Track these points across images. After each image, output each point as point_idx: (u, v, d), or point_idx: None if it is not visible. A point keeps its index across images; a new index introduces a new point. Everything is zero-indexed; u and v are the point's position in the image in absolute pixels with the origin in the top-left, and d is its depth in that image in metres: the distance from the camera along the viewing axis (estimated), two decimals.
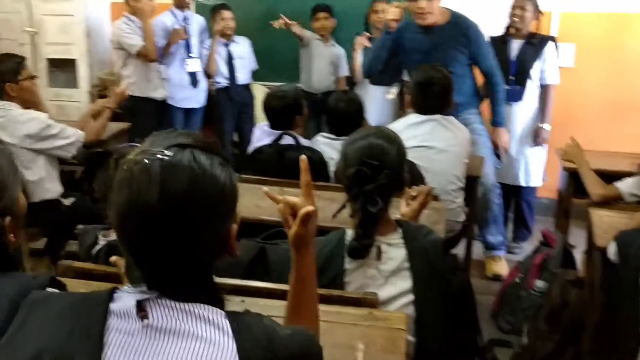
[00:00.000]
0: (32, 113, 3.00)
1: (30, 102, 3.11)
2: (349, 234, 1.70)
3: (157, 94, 4.42)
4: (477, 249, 3.77)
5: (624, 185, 2.54)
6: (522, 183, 3.99)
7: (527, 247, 3.96)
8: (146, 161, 0.93)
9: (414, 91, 2.90)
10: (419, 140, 2.75)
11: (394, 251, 1.69)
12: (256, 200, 2.38)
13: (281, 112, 2.91)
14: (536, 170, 4.01)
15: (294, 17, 4.73)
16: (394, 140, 1.75)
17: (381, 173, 1.64)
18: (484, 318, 3.12)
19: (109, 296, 0.94)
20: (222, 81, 4.71)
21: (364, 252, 1.65)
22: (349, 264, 1.68)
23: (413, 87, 2.92)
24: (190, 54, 4.59)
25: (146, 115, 4.38)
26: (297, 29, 4.53)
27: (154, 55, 4.18)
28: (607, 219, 2.33)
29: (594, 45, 4.47)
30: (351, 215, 1.67)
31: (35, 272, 2.81)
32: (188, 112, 4.71)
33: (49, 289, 1.06)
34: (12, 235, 1.13)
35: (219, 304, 0.98)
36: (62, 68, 5.44)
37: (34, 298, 0.97)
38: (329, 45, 4.62)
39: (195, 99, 4.67)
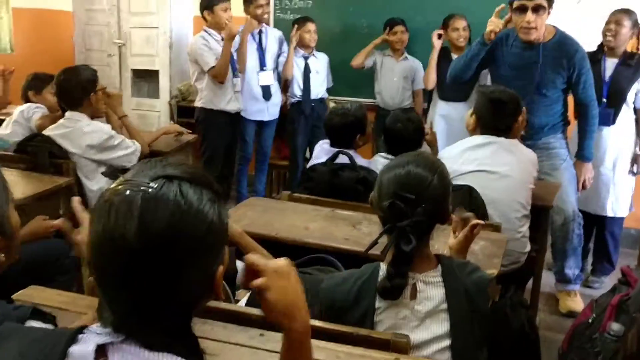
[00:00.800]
0: (97, 124, 3.07)
1: (101, 112, 3.18)
2: (383, 268, 1.56)
3: (231, 107, 4.43)
4: (550, 281, 3.50)
5: None
6: (610, 213, 3.69)
7: (608, 282, 3.66)
8: (127, 192, 0.87)
9: (484, 108, 2.69)
10: (479, 164, 2.57)
11: (431, 290, 1.54)
12: (305, 222, 2.31)
13: (341, 130, 2.82)
14: (624, 199, 3.69)
15: (371, 31, 4.69)
16: (435, 169, 1.57)
17: (418, 207, 1.48)
18: (552, 358, 2.88)
19: (72, 337, 0.87)
20: (297, 94, 4.68)
21: (395, 292, 1.51)
22: (380, 301, 1.54)
23: (483, 104, 2.71)
24: (264, 67, 4.59)
25: (219, 128, 4.41)
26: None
27: (222, 78, 4.21)
28: None
29: None
30: (382, 251, 1.54)
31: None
32: (260, 125, 4.72)
33: (30, 321, 1.01)
34: (2, 255, 1.09)
35: (195, 356, 0.90)
36: (146, 79, 5.63)
37: (1, 331, 0.92)
38: (401, 60, 4.49)
39: (267, 112, 4.66)
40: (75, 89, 3.02)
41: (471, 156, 2.58)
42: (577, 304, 3.39)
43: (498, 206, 2.49)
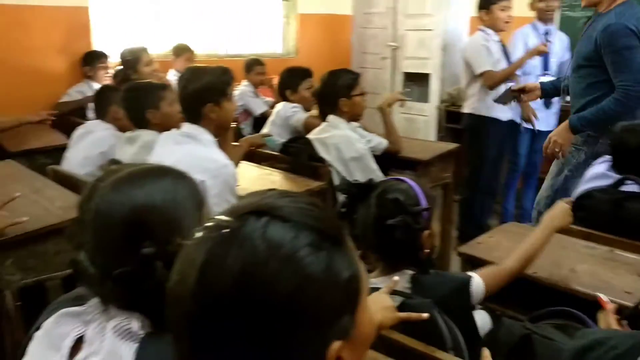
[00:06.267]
0: (350, 135, 2.98)
1: (359, 117, 3.12)
2: None
3: (504, 115, 4.07)
4: None
5: None
6: None
7: None
8: (201, 234, 0.66)
9: None
10: None
11: None
12: (573, 261, 1.90)
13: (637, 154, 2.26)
14: None
15: None
16: None
17: None
18: None
19: None
20: None
21: None
22: None
23: None
24: (546, 72, 4.12)
25: (488, 136, 4.07)
26: None
27: (494, 86, 3.87)
28: None
29: None
30: None
31: None
32: (535, 134, 4.25)
33: None
34: None
35: None
36: (416, 82, 5.52)
37: None
38: None
39: (545, 121, 4.18)
40: (332, 93, 3.00)
41: None
42: None
43: None
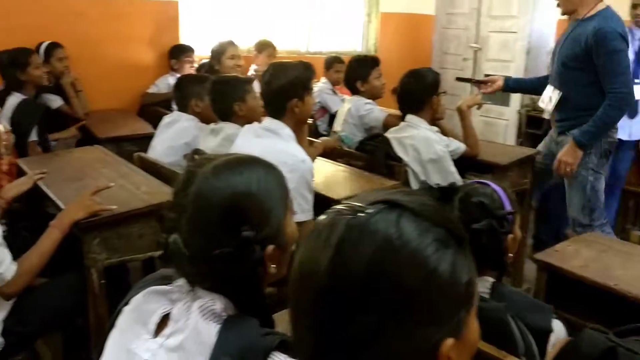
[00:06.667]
0: (431, 137, 2.95)
1: (442, 116, 3.10)
2: None
3: None
4: None
5: None
6: None
7: None
8: (334, 216, 0.70)
9: None
10: None
11: None
12: None
13: None
14: None
15: None
16: None
17: None
18: None
19: None
20: None
21: None
22: None
23: None
24: (636, 80, 3.94)
25: None
26: None
27: None
28: None
29: None
30: None
31: None
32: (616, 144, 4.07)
33: (276, 354, 0.88)
34: (273, 265, 0.99)
35: None
36: None
37: None
38: None
39: (628, 129, 4.00)
40: (420, 91, 2.97)
41: None
42: None
43: None
